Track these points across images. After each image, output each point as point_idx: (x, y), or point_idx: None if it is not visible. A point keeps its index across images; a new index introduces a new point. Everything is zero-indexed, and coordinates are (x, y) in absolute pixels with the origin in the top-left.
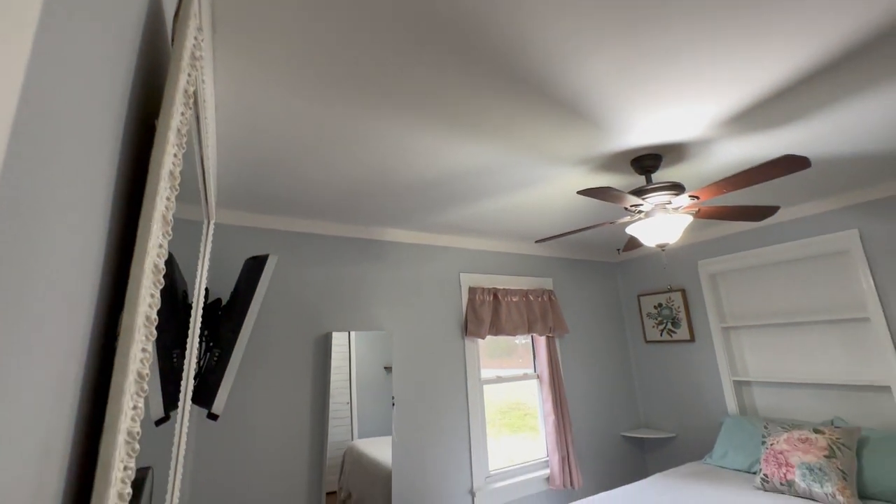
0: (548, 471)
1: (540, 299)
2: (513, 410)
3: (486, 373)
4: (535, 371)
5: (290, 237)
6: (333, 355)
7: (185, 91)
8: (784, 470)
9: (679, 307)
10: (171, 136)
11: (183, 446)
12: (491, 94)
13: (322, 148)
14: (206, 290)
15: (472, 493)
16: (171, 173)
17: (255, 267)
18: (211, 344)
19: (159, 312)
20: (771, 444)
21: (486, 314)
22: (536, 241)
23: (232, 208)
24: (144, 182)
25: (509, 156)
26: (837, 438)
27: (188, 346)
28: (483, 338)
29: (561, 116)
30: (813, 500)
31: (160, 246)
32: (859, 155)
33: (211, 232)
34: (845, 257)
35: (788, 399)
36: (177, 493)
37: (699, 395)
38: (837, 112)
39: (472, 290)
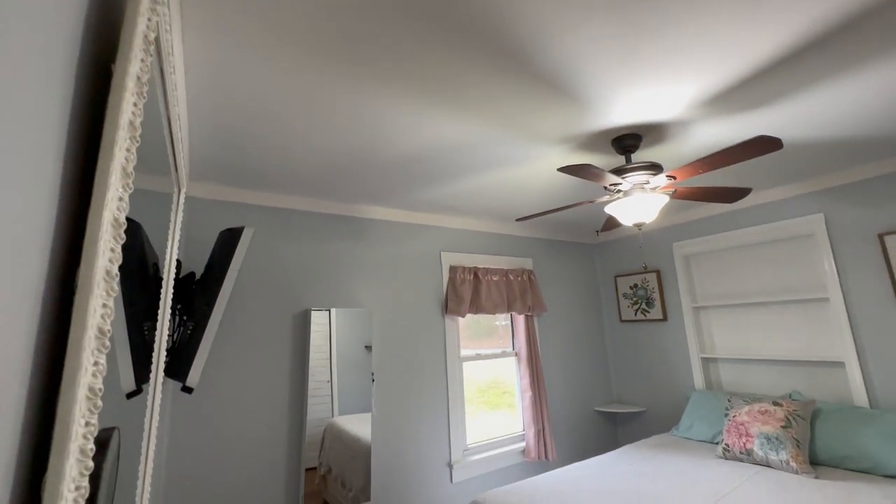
0: (524, 444)
1: (520, 279)
2: (491, 388)
3: (465, 351)
4: (513, 349)
5: (269, 212)
6: (314, 334)
7: (145, 37)
8: (744, 440)
9: (653, 288)
10: (130, 83)
11: (156, 419)
12: (473, 65)
13: (300, 119)
14: (179, 262)
15: (450, 466)
16: (131, 123)
17: (229, 239)
18: (185, 318)
19: (130, 284)
20: (733, 416)
21: (467, 293)
22: (517, 220)
23: (207, 181)
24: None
25: (491, 132)
26: (794, 410)
27: (160, 318)
28: (463, 316)
29: (543, 92)
30: (769, 466)
31: (120, 199)
32: (827, 141)
33: (182, 200)
34: (810, 240)
35: (751, 374)
36: (150, 465)
37: (669, 372)
38: (809, 96)
39: (452, 269)
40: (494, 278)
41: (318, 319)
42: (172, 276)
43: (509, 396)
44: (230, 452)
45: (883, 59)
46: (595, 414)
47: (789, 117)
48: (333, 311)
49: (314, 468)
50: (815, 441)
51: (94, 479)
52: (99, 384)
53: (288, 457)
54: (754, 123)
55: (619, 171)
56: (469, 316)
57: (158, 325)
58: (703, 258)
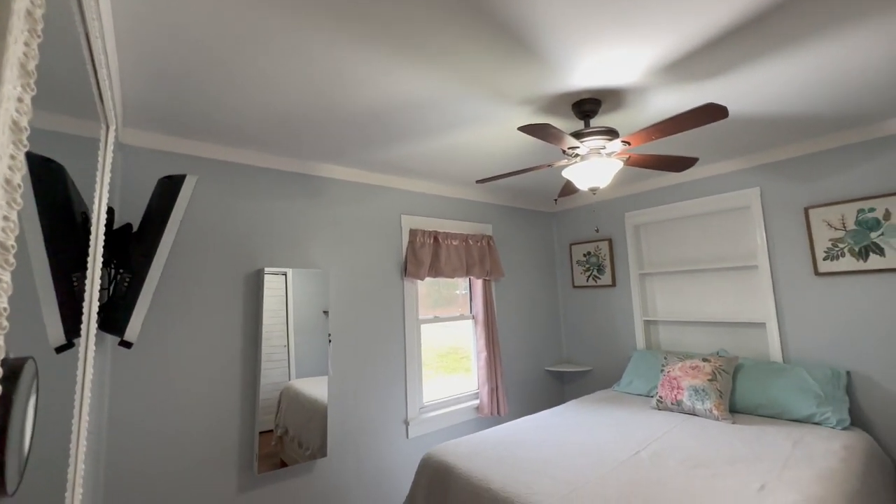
0: (478, 401)
1: (479, 244)
2: (451, 354)
3: (424, 314)
4: (471, 312)
5: (219, 166)
6: (270, 298)
7: None
8: (675, 392)
9: (605, 255)
10: None
11: (90, 373)
12: (433, 11)
13: (248, 67)
14: (111, 210)
15: (407, 423)
16: (29, 12)
17: (169, 188)
18: (121, 270)
19: (54, 231)
20: (668, 372)
21: (426, 256)
22: (477, 182)
23: (147, 129)
24: None
25: (453, 88)
26: (720, 366)
27: (90, 268)
28: (422, 279)
29: (506, 46)
30: (695, 415)
31: (19, 100)
32: (767, 117)
33: (111, 140)
34: (747, 213)
35: (686, 335)
36: (85, 420)
37: (614, 333)
38: (754, 70)
39: (412, 233)
40: (454, 243)
41: (274, 284)
42: (103, 221)
43: (466, 361)
44: (179, 414)
45: (817, 39)
46: (545, 373)
47: (736, 91)
48: (290, 274)
49: (270, 431)
50: (735, 392)
51: (4, 408)
52: (4, 304)
53: (241, 419)
54: (705, 95)
55: (577, 135)
56: (430, 283)
57: (89, 275)
58: (652, 228)
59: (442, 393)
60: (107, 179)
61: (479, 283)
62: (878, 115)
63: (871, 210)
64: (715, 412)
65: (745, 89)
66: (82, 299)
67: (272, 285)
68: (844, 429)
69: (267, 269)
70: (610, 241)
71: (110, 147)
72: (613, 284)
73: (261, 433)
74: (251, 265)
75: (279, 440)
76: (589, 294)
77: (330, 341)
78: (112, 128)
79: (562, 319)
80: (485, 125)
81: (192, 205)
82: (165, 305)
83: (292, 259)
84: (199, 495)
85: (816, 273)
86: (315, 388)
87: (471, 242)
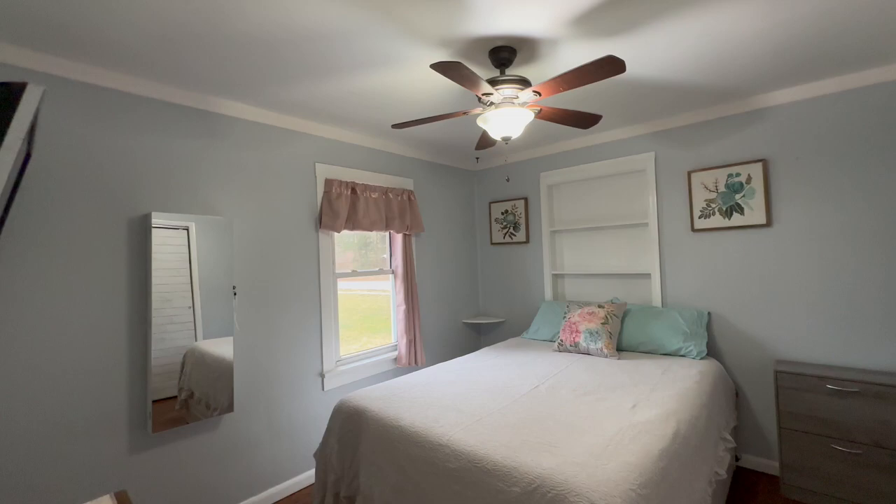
0: (396, 353)
1: (399, 198)
2: (375, 315)
3: (341, 268)
4: (390, 267)
5: (91, 91)
6: (170, 256)
7: None
8: (574, 335)
9: (521, 214)
10: None
11: None
12: None
13: None
14: None
15: (322, 375)
16: None
17: (5, 97)
18: None
19: None
20: (569, 318)
21: (343, 208)
22: (392, 126)
23: None
24: None
25: (362, 21)
26: (612, 311)
27: None
28: (339, 231)
29: None
30: (589, 354)
31: None
32: (664, 83)
33: None
34: (643, 175)
35: (587, 286)
36: None
37: (526, 287)
38: (654, 33)
39: (328, 182)
40: (373, 195)
41: (174, 240)
42: None
43: (389, 322)
44: (48, 386)
45: (702, 6)
46: (463, 325)
47: (638, 53)
48: (193, 228)
49: (173, 397)
50: (622, 333)
51: None
52: None
53: (130, 382)
54: (612, 52)
55: (492, 83)
56: (358, 247)
57: None
58: (563, 188)
59: (360, 347)
60: None
61: (399, 238)
62: (747, 91)
63: (738, 175)
64: (605, 350)
65: (645, 53)
66: None
67: (173, 241)
68: (702, 358)
69: (163, 220)
70: (526, 199)
71: None
72: (527, 241)
73: (163, 399)
74: (134, 209)
75: (184, 404)
76: (505, 250)
77: (235, 294)
78: None
79: (479, 274)
80: (400, 67)
81: (50, 134)
82: (19, 255)
83: (188, 204)
84: (82, 461)
85: (693, 230)
86: (223, 347)
87: (391, 196)
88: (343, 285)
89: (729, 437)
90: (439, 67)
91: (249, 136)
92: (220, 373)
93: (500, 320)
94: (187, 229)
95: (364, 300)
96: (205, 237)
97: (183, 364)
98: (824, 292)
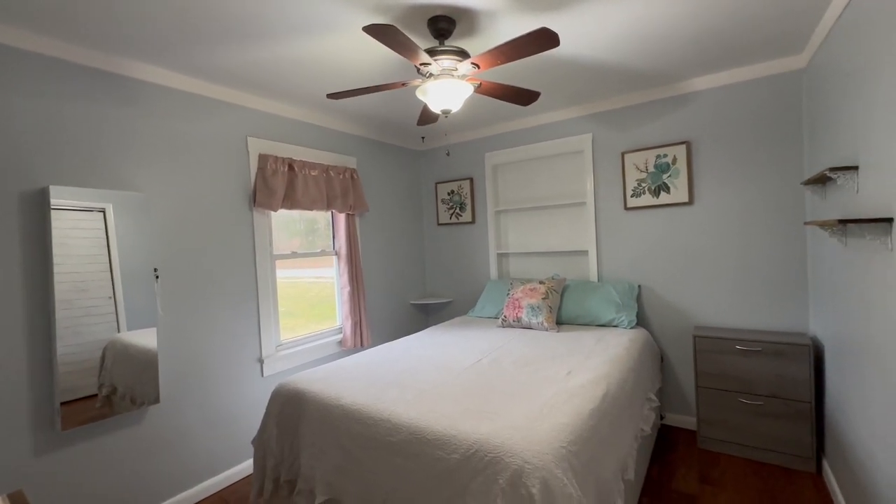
0: (341, 335)
1: (342, 176)
2: (324, 303)
3: (280, 249)
4: (333, 248)
5: None
6: (83, 241)
7: None
8: (516, 311)
9: (467, 194)
10: None
11: None
12: None
13: None
14: None
15: (261, 361)
16: None
17: None
18: None
19: None
20: (512, 295)
21: (280, 185)
22: (328, 96)
23: None
24: None
25: None
26: (552, 287)
27: None
28: (275, 210)
29: None
30: (531, 328)
31: None
32: (600, 63)
33: None
34: (582, 156)
35: (530, 263)
36: None
37: (472, 266)
38: (589, 9)
39: (262, 158)
40: (313, 173)
41: (88, 223)
42: None
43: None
44: None
45: None
46: (410, 306)
47: (576, 32)
48: (111, 210)
49: (94, 395)
50: (562, 307)
51: None
52: None
53: (33, 395)
54: (554, 28)
55: (430, 53)
56: (304, 235)
57: None
58: (507, 168)
59: (300, 329)
60: None
61: (341, 218)
62: (674, 76)
63: (665, 156)
64: (545, 324)
65: (580, 30)
66: None
67: (87, 224)
68: (633, 328)
69: (71, 200)
70: (471, 180)
71: None
72: (473, 221)
73: (85, 397)
74: (26, 181)
75: (106, 401)
76: (451, 231)
77: (157, 277)
78: None
79: (426, 255)
80: (335, 33)
81: None
82: None
83: (96, 177)
84: None
85: (626, 208)
86: (149, 337)
87: (332, 174)
88: (290, 272)
89: (654, 398)
90: (372, 31)
91: (171, 104)
92: (147, 364)
93: (448, 300)
94: (104, 211)
95: (311, 287)
96: (123, 219)
97: (103, 358)
98: (735, 264)
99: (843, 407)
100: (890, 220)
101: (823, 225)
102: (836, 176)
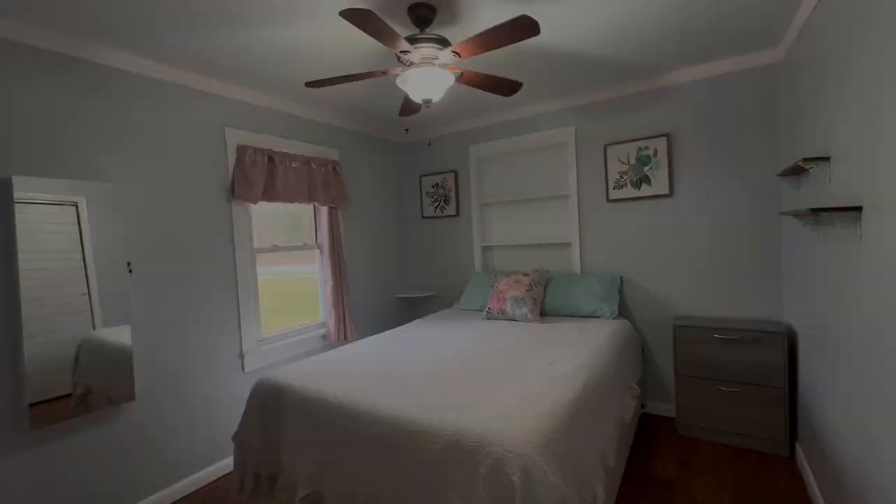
0: (325, 330)
1: (324, 168)
2: (309, 299)
3: (261, 242)
4: (316, 241)
5: None
6: (55, 235)
7: None
8: (501, 303)
9: (451, 187)
10: None
11: None
12: None
13: None
14: None
15: (242, 356)
16: None
17: None
18: None
19: None
20: (497, 288)
21: (259, 177)
22: (307, 84)
23: None
24: None
25: None
26: (536, 279)
27: None
28: (255, 202)
29: None
30: (515, 320)
31: None
32: (583, 55)
33: None
34: (565, 148)
35: (515, 256)
36: None
37: (457, 259)
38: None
39: (241, 149)
40: (294, 165)
41: (59, 217)
42: None
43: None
44: None
45: None
46: (395, 300)
47: (561, 23)
48: (83, 204)
49: (67, 395)
50: (546, 299)
51: None
52: None
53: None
54: (538, 18)
55: (410, 41)
56: (287, 229)
57: None
58: (492, 161)
59: (285, 325)
60: None
61: (324, 211)
62: (655, 68)
63: (647, 149)
64: (529, 316)
65: (563, 20)
66: None
67: (58, 219)
68: (615, 318)
69: (40, 194)
70: (455, 173)
71: None
72: (457, 214)
73: (59, 397)
74: None
75: (81, 400)
76: (436, 224)
77: (130, 271)
78: None
79: (411, 248)
80: (313, 20)
81: None
82: None
83: (63, 167)
84: None
85: (608, 200)
86: (125, 334)
87: (314, 166)
88: (276, 269)
89: (635, 387)
90: (350, 15)
91: (143, 92)
92: (122, 361)
93: (433, 293)
94: (76, 205)
95: (295, 283)
96: (97, 212)
97: (77, 356)
98: (714, 255)
99: (814, 392)
100: (859, 209)
101: (797, 215)
102: (809, 166)
